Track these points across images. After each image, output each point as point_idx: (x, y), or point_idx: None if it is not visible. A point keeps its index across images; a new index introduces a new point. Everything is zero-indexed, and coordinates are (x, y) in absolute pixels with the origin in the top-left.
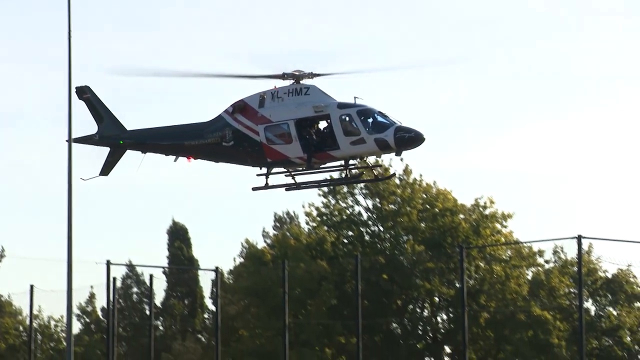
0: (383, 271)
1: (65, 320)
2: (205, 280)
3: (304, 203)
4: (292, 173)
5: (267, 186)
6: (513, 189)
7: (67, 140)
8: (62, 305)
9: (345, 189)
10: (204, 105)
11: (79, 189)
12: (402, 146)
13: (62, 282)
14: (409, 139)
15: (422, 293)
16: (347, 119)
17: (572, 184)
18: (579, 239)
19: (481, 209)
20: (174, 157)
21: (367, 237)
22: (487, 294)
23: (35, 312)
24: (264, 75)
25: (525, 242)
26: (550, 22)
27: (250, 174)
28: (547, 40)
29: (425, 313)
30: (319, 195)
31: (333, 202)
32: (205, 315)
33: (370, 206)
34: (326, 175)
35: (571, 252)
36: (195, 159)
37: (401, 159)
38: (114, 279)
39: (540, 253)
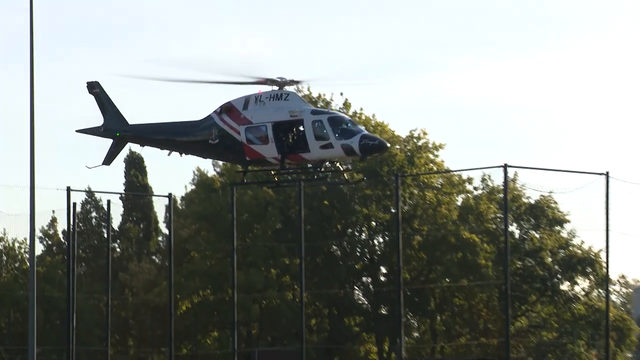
0: (324, 198)
1: (28, 242)
2: (160, 206)
3: None
4: (271, 171)
5: (243, 182)
6: (445, 122)
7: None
8: (26, 229)
9: None
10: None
11: (40, 121)
12: (365, 152)
13: (26, 207)
14: (372, 146)
15: (360, 218)
16: (319, 124)
17: (500, 116)
18: (505, 167)
19: (415, 140)
20: (168, 151)
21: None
22: (420, 218)
23: (0, 235)
24: (250, 82)
25: (455, 171)
26: None
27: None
28: None
29: (363, 236)
30: None
31: None
32: (159, 239)
33: None
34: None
35: (498, 180)
36: (186, 154)
37: (341, 93)
38: (74, 204)
39: (469, 181)
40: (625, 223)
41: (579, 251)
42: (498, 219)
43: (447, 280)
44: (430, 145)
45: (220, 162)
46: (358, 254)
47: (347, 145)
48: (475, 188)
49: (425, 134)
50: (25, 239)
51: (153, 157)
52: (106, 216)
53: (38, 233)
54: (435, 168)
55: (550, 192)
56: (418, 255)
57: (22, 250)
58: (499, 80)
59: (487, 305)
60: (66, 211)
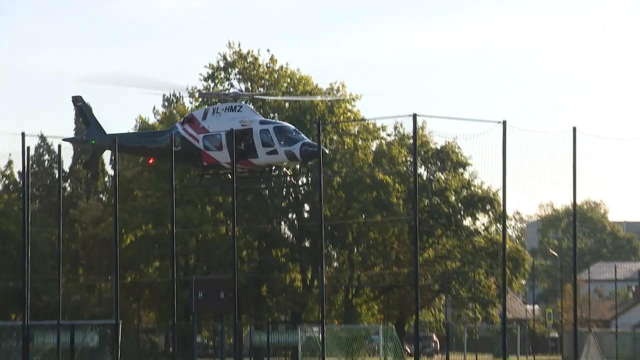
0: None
1: None
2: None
3: (187, 86)
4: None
5: (200, 185)
6: (362, 76)
7: None
8: None
9: (222, 74)
10: None
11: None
12: (306, 158)
13: None
14: (311, 152)
15: None
16: (265, 133)
17: (409, 70)
18: (414, 116)
19: (335, 92)
20: (140, 157)
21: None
22: (340, 161)
23: None
24: (211, 93)
25: (370, 119)
26: None
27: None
28: None
29: (289, 178)
30: (200, 80)
31: (212, 85)
32: (106, 179)
33: (244, 89)
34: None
35: (408, 128)
36: (154, 160)
37: (267, 50)
38: (28, 148)
39: (383, 128)
40: (520, 166)
41: (480, 191)
42: (408, 162)
43: (363, 216)
44: (347, 97)
45: (160, 110)
46: (284, 193)
47: (289, 152)
48: (388, 135)
49: (344, 86)
50: None
51: (100, 106)
52: (57, 158)
53: None
54: (352, 117)
55: (454, 138)
56: (337, 195)
57: None
58: (414, 38)
59: (399, 239)
60: (21, 154)
